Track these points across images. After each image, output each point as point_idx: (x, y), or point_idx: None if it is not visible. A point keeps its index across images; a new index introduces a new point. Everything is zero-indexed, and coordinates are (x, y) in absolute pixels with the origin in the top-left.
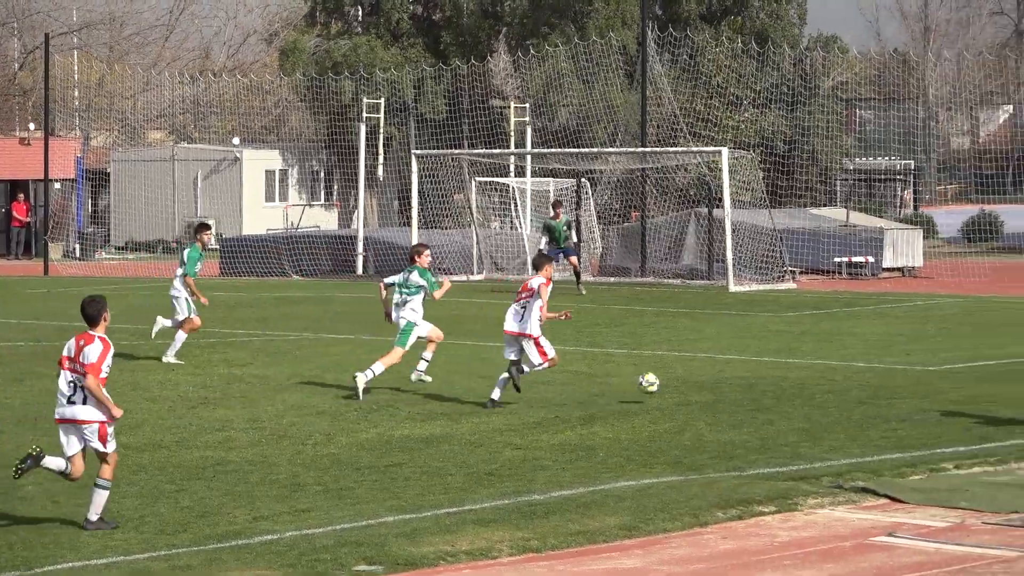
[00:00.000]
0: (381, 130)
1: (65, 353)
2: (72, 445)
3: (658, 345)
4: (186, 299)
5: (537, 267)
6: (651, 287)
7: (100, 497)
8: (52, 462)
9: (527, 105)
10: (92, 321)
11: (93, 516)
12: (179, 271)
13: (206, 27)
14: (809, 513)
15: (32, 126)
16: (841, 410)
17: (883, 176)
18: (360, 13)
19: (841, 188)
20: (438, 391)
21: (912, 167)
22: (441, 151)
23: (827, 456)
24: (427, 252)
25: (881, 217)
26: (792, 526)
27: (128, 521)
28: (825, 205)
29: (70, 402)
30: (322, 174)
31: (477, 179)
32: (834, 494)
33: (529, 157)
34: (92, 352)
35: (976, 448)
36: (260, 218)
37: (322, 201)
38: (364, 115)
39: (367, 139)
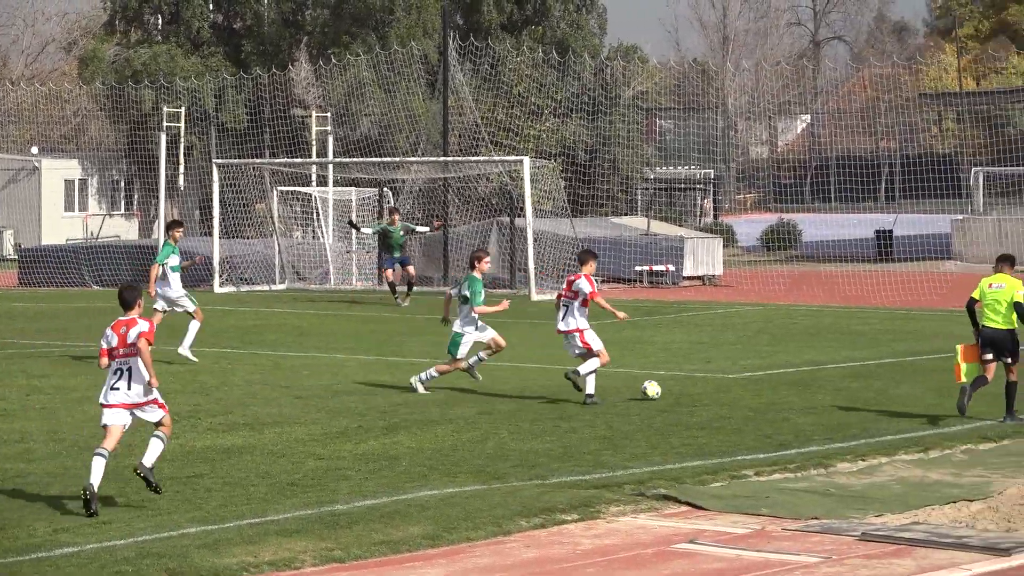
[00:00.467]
0: (182, 139)
1: (105, 345)
2: (120, 418)
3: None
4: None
5: (583, 262)
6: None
7: (159, 447)
8: (96, 473)
9: (329, 114)
10: (128, 306)
11: (148, 462)
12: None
13: (3, 35)
14: (612, 521)
15: None
16: (643, 418)
17: (683, 185)
18: (160, 21)
19: (642, 197)
20: (240, 401)
21: (712, 176)
22: (242, 160)
23: (629, 464)
24: (487, 259)
25: (681, 226)
26: (595, 534)
27: None
28: (626, 214)
29: (114, 388)
30: (122, 184)
31: (279, 188)
32: (636, 502)
33: (331, 166)
34: (143, 324)
35: (775, 455)
36: (59, 228)
37: (122, 211)
38: (165, 124)
39: (168, 148)
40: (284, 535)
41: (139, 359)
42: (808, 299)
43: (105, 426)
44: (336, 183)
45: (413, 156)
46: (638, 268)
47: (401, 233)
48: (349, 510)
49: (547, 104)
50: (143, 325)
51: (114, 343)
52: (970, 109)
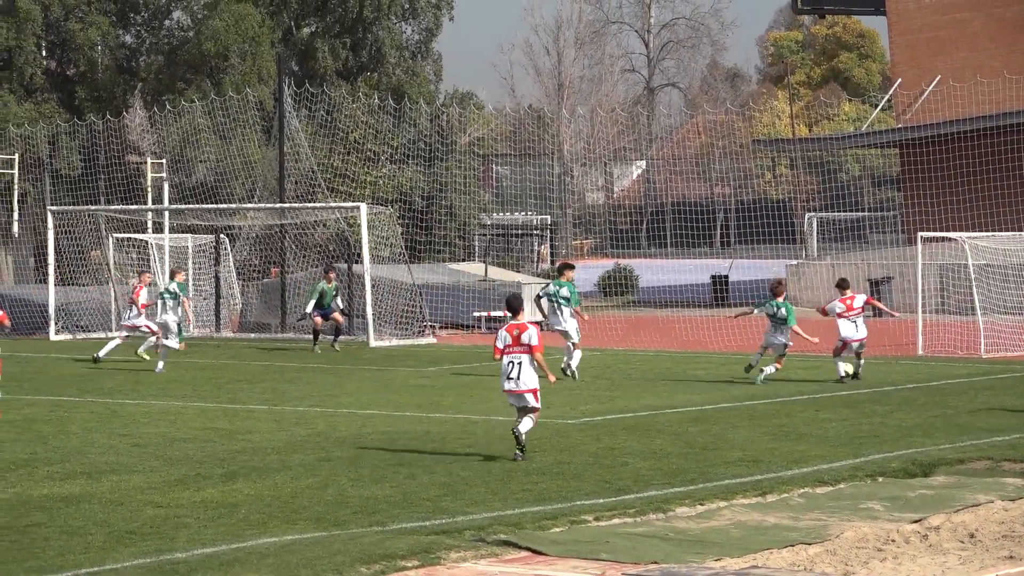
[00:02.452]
0: (15, 186)
1: (501, 344)
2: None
3: (300, 401)
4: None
5: (515, 311)
6: (291, 343)
7: (531, 423)
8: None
9: (164, 161)
10: (516, 312)
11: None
12: None
13: None
14: (452, 567)
15: None
16: (482, 464)
17: (520, 231)
18: None
19: (479, 243)
20: (77, 449)
21: (548, 222)
22: (77, 207)
23: (469, 510)
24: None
25: (519, 272)
26: None
27: None
28: (464, 260)
29: (509, 378)
30: None
31: (115, 235)
32: (476, 547)
33: (167, 213)
34: (533, 336)
35: (614, 500)
36: None
37: None
38: None
39: (1, 195)
40: None
41: None
42: (645, 344)
43: None
44: (172, 230)
45: (250, 203)
46: (476, 314)
47: (334, 292)
48: (188, 558)
49: (383, 150)
50: (534, 337)
51: (511, 342)
52: (803, 155)
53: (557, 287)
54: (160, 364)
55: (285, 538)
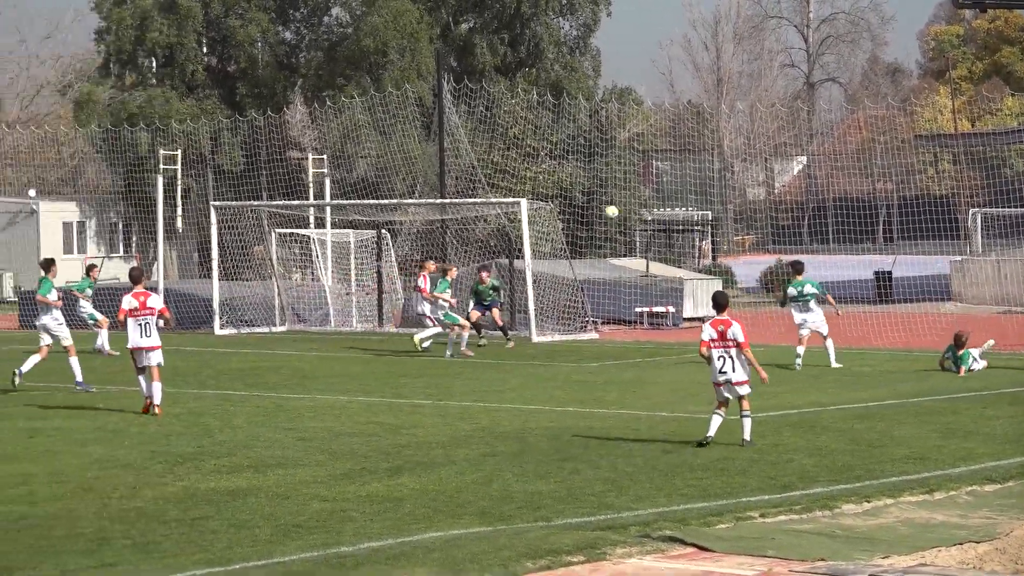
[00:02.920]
0: (179, 182)
1: (707, 338)
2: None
3: (464, 396)
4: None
5: (721, 306)
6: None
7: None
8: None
9: (325, 156)
10: (721, 308)
11: (747, 436)
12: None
13: None
14: (618, 563)
15: None
16: (646, 459)
17: (681, 227)
18: (154, 65)
19: (640, 239)
20: (243, 443)
21: (709, 218)
22: (239, 202)
23: (634, 505)
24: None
25: (680, 267)
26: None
27: None
28: (625, 256)
29: (722, 371)
30: (120, 226)
31: (277, 231)
32: (642, 543)
33: (328, 208)
34: (739, 332)
35: (780, 496)
36: (59, 270)
37: (121, 253)
38: (161, 167)
39: (165, 191)
40: None
41: None
42: (809, 340)
43: None
44: (334, 225)
45: (410, 198)
46: (638, 309)
47: (491, 291)
48: (354, 552)
49: (543, 146)
50: (740, 332)
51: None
52: (966, 150)
53: (799, 287)
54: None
55: (450, 533)
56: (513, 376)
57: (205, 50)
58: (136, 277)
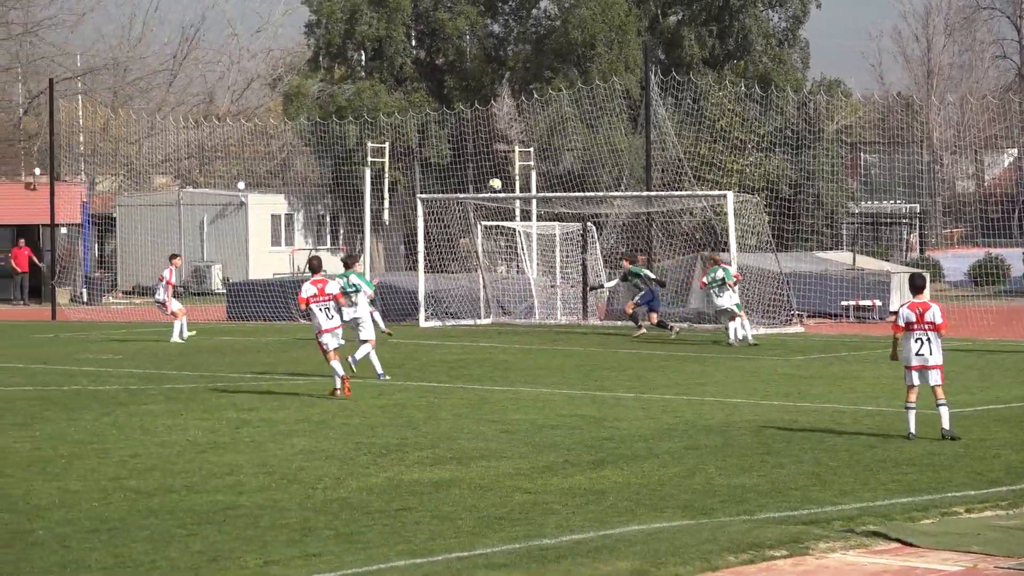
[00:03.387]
0: (386, 174)
1: (903, 322)
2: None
3: (667, 389)
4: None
5: (919, 288)
6: (660, 330)
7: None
8: None
9: (531, 149)
10: (919, 290)
11: (946, 424)
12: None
13: (210, 72)
14: (821, 557)
15: (37, 171)
16: (851, 454)
17: (888, 220)
18: (363, 58)
19: (847, 232)
20: (447, 435)
21: (917, 210)
22: (446, 195)
23: (837, 500)
24: None
25: (887, 260)
26: (804, 571)
27: (139, 566)
28: (831, 249)
29: (918, 354)
30: (328, 218)
31: (483, 223)
32: (845, 538)
33: (534, 201)
34: (938, 314)
35: (987, 492)
36: (266, 262)
37: (328, 245)
38: (369, 159)
39: (372, 183)
40: (492, 569)
41: None
42: (1017, 335)
43: None
44: (540, 218)
45: (616, 191)
46: (844, 303)
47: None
48: (556, 544)
49: (750, 138)
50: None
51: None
52: None
53: None
54: None
55: (652, 526)
56: (717, 369)
57: (414, 43)
58: (316, 266)
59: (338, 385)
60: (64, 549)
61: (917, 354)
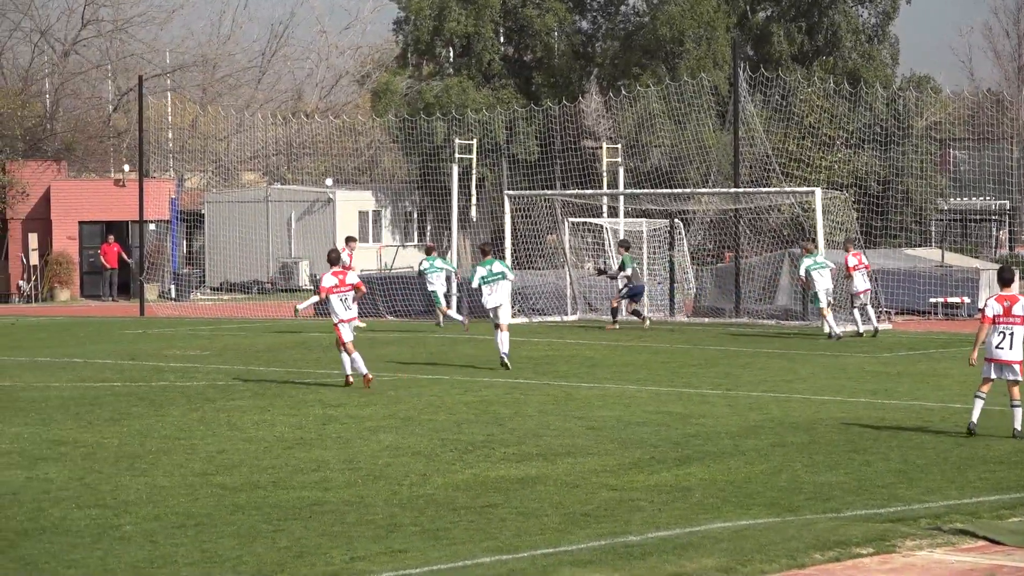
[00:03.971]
0: (474, 171)
1: (991, 313)
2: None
3: (753, 386)
4: None
5: (1007, 282)
6: (746, 328)
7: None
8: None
9: (619, 146)
10: (1007, 283)
11: (1018, 426)
12: None
13: (298, 69)
14: (907, 555)
15: (127, 168)
16: (938, 451)
17: (978, 216)
18: (451, 54)
19: (936, 228)
20: (533, 431)
21: (1007, 207)
22: (533, 192)
23: (924, 498)
24: None
25: (976, 257)
26: (890, 568)
27: (225, 561)
28: (920, 245)
29: (999, 347)
30: (415, 215)
31: (570, 220)
32: (932, 536)
33: (622, 198)
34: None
35: None
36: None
37: (415, 242)
38: (456, 156)
39: (460, 180)
40: (578, 565)
41: None
42: None
43: None
44: (627, 214)
45: (704, 187)
46: (932, 300)
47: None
48: (642, 541)
49: (839, 135)
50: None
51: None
52: None
53: None
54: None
55: (738, 523)
56: (803, 366)
57: (502, 40)
58: (334, 259)
59: (348, 372)
60: (151, 544)
61: (998, 347)
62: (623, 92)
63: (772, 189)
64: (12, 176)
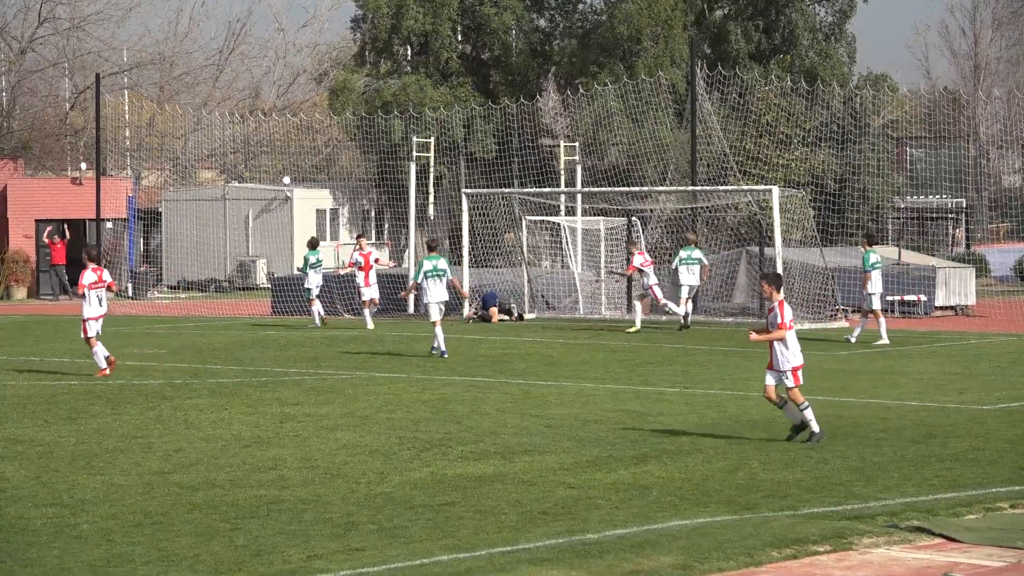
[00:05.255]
0: (431, 169)
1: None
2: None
3: (711, 384)
4: None
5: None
6: (703, 326)
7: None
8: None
9: (577, 144)
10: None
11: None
12: None
13: (256, 67)
14: (864, 552)
15: (84, 166)
16: (895, 449)
17: (934, 214)
18: (409, 52)
19: (892, 226)
20: (491, 430)
21: (964, 205)
22: (491, 190)
23: (881, 495)
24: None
25: (933, 255)
26: (847, 566)
27: (182, 560)
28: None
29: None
30: (373, 213)
31: (528, 218)
32: (889, 533)
33: (579, 196)
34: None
35: None
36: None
37: (373, 240)
38: (414, 154)
39: (417, 178)
40: (535, 563)
41: None
42: None
43: None
44: (585, 212)
45: (661, 185)
46: (889, 298)
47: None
48: (600, 539)
49: (795, 133)
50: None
51: None
52: None
53: None
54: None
55: (696, 521)
56: (760, 364)
57: (460, 38)
58: (94, 256)
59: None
60: (108, 543)
61: None
62: (581, 90)
63: (729, 187)
64: None
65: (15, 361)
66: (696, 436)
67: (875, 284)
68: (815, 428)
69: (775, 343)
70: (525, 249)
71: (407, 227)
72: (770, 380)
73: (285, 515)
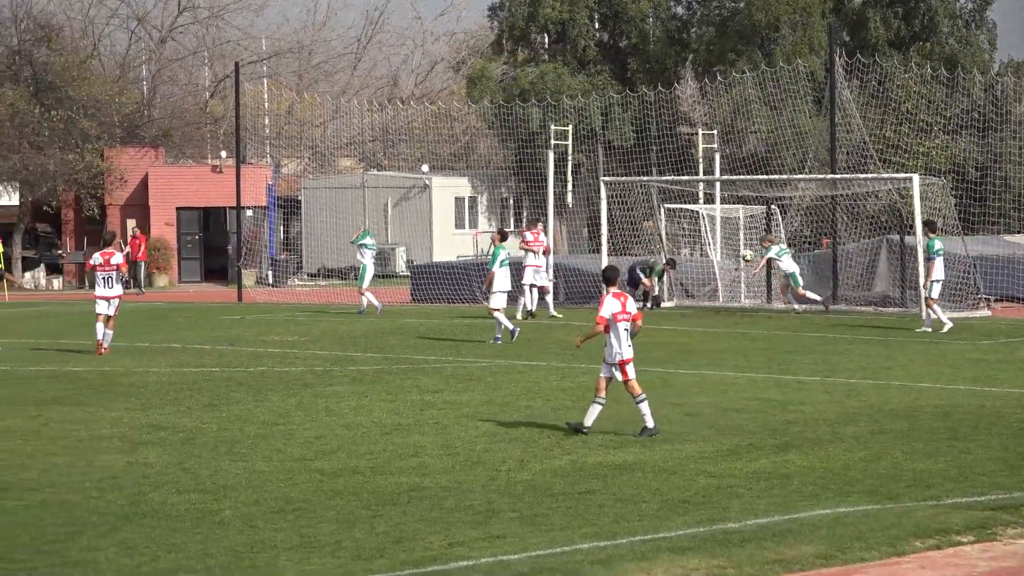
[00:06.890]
0: (569, 157)
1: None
2: None
3: (851, 373)
4: None
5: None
6: (843, 314)
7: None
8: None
9: (715, 132)
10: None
11: None
12: None
13: (394, 55)
14: (1009, 543)
15: (223, 154)
16: None
17: None
18: (546, 41)
19: None
20: (631, 418)
21: None
22: (629, 178)
23: None
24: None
25: None
26: (991, 556)
27: (324, 546)
28: (1019, 232)
29: None
30: (511, 201)
31: (666, 206)
32: None
33: (718, 184)
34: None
35: None
36: (450, 245)
37: (511, 228)
38: (552, 142)
39: (555, 166)
40: (676, 552)
41: None
42: None
43: None
44: (723, 200)
45: (800, 173)
46: None
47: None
48: (740, 528)
49: (936, 121)
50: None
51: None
52: None
53: None
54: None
55: (837, 510)
56: (902, 353)
57: (597, 25)
58: (108, 239)
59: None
60: (251, 529)
61: None
62: (719, 78)
63: (869, 175)
64: (110, 162)
65: (157, 348)
66: (837, 425)
67: (938, 271)
68: (649, 423)
69: (608, 335)
70: (664, 237)
71: (545, 215)
72: (604, 373)
73: (426, 502)
